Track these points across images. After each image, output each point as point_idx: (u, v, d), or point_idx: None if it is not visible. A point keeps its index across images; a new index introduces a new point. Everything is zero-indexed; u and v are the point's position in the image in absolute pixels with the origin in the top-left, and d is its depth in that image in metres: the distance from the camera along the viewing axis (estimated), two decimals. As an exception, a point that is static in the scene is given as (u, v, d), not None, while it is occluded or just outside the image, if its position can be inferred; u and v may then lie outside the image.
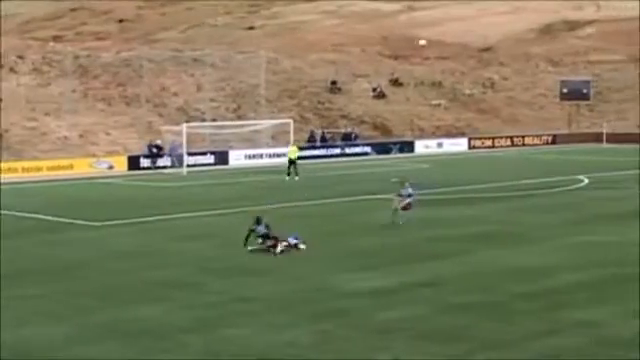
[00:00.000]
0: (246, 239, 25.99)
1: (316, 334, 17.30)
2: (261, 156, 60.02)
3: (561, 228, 30.02)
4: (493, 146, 71.10)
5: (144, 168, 54.75)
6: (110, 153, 57.46)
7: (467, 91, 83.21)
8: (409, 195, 30.78)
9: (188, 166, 53.56)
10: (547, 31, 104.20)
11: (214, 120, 63.29)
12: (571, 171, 49.34)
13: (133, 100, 64.95)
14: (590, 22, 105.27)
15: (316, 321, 18.22)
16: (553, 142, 74.40)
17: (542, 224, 30.90)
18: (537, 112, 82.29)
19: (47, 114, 60.44)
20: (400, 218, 30.39)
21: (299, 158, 50.14)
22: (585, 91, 78.63)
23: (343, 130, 68.05)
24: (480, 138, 71.96)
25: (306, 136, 65.24)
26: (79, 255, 26.11)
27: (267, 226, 26.03)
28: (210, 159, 57.55)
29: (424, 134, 72.55)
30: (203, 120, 62.74)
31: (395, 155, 65.04)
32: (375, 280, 22.02)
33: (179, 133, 54.47)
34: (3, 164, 50.23)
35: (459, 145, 69.94)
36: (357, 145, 65.58)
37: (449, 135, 72.51)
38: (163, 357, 16.12)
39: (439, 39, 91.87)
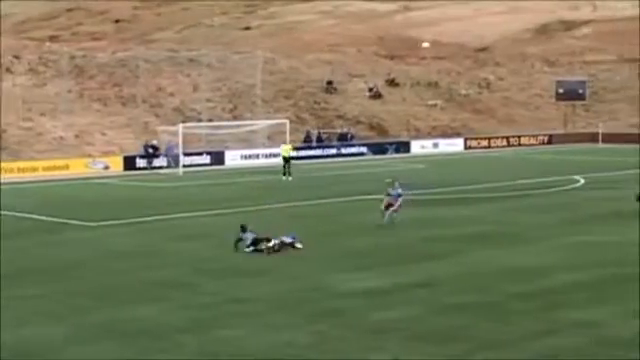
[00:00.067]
0: (235, 247, 25.99)
1: (311, 334, 17.28)
2: (257, 156, 60.00)
3: (557, 228, 30.01)
4: (489, 146, 71.12)
5: (140, 168, 54.72)
6: (106, 153, 57.41)
7: (463, 91, 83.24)
8: (398, 195, 30.67)
9: (184, 166, 53.53)
10: (543, 31, 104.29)
11: (210, 120, 63.25)
12: (567, 171, 49.35)
13: (129, 100, 64.91)
14: (586, 22, 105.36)
15: (311, 321, 18.20)
16: (549, 142, 74.43)
17: (538, 224, 30.89)
18: (533, 112, 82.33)
19: (43, 114, 60.37)
20: (386, 218, 30.22)
21: (292, 158, 50.13)
22: (581, 91, 78.69)
23: (339, 130, 68.02)
24: (476, 138, 71.98)
25: (302, 136, 65.22)
26: (75, 255, 26.07)
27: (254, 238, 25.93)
28: (206, 159, 57.53)
29: (420, 134, 72.55)
30: (199, 120, 62.70)
31: (391, 155, 65.04)
32: (370, 280, 22.00)
33: (175, 133, 54.46)
34: (-1, 164, 50.20)
35: (455, 145, 69.94)
36: (353, 145, 65.57)
37: (445, 135, 72.52)
38: (160, 357, 16.11)
39: (435, 39, 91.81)
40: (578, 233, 28.85)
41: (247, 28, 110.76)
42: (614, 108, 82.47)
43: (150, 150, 55.88)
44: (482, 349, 16.33)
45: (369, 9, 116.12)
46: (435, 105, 78.80)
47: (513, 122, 79.45)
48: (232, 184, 46.96)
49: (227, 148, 60.02)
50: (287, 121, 58.86)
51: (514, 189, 41.68)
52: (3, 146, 55.03)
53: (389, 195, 30.72)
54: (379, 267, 23.72)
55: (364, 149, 65.53)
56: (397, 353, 16.07)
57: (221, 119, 64.11)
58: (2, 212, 35.15)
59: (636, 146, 62.28)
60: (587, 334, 17.17)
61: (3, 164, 50.55)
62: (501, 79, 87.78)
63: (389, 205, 30.44)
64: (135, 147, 58.26)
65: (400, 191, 30.79)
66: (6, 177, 48.08)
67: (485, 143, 71.40)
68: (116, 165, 54.62)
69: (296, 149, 56.30)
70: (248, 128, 60.83)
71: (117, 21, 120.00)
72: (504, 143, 72.19)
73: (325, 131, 67.61)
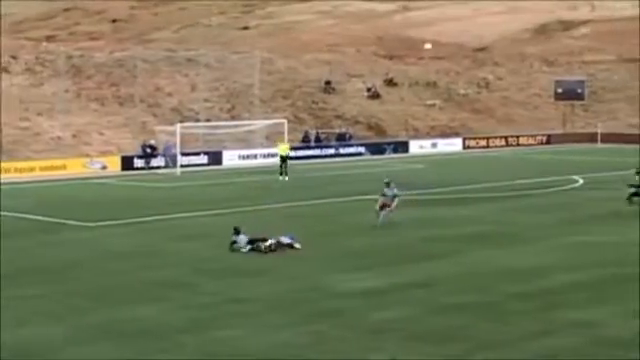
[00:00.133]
0: (230, 249, 25.94)
1: (310, 334, 17.25)
2: (255, 156, 59.90)
3: (556, 228, 30.00)
4: (488, 146, 71.07)
5: (138, 168, 54.61)
6: (103, 153, 57.30)
7: (462, 91, 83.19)
8: (394, 196, 30.57)
9: (182, 166, 53.44)
10: (542, 31, 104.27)
11: (208, 120, 63.16)
12: (566, 171, 49.33)
13: (127, 100, 64.80)
14: (585, 22, 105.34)
15: (310, 321, 18.18)
16: (548, 142, 74.38)
17: (537, 224, 30.87)
18: (532, 112, 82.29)
19: (40, 114, 60.25)
20: (381, 219, 30.13)
21: (290, 158, 50.08)
22: (580, 91, 78.65)
23: (337, 130, 67.95)
24: (475, 138, 71.93)
25: (300, 136, 65.16)
26: (73, 255, 26.03)
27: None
28: (204, 159, 57.43)
29: (418, 134, 72.49)
30: (197, 120, 62.61)
31: (389, 155, 64.98)
32: (369, 280, 21.97)
33: (173, 133, 54.38)
34: (-2, 164, 50.08)
35: (453, 145, 69.90)
36: (351, 145, 65.49)
37: (443, 135, 72.46)
38: (160, 357, 16.07)
39: (434, 39, 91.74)
40: (577, 233, 28.83)
41: (245, 28, 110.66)
42: (613, 108, 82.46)
43: (148, 150, 55.78)
44: (481, 349, 16.30)
45: (368, 9, 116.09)
46: (434, 105, 78.75)
47: (512, 122, 79.42)
48: (230, 184, 46.91)
49: (225, 148, 59.92)
50: (285, 121, 58.78)
51: (513, 189, 41.66)
52: (1, 146, 54.90)
53: (384, 195, 30.62)
54: (378, 267, 23.69)
55: (362, 149, 65.46)
56: (396, 353, 16.04)
57: (219, 119, 64.03)
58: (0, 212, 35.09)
59: (635, 146, 62.24)
60: (586, 334, 17.14)
61: (0, 164, 50.41)
62: (500, 79, 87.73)
63: (384, 205, 30.35)
64: (133, 147, 58.17)
65: (396, 191, 30.72)
66: (3, 177, 47.98)
67: (484, 143, 71.36)
68: (114, 165, 54.51)
69: (294, 149, 56.24)
70: (246, 128, 60.76)
71: (114, 21, 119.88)
72: (503, 143, 72.15)
73: (323, 131, 67.54)
